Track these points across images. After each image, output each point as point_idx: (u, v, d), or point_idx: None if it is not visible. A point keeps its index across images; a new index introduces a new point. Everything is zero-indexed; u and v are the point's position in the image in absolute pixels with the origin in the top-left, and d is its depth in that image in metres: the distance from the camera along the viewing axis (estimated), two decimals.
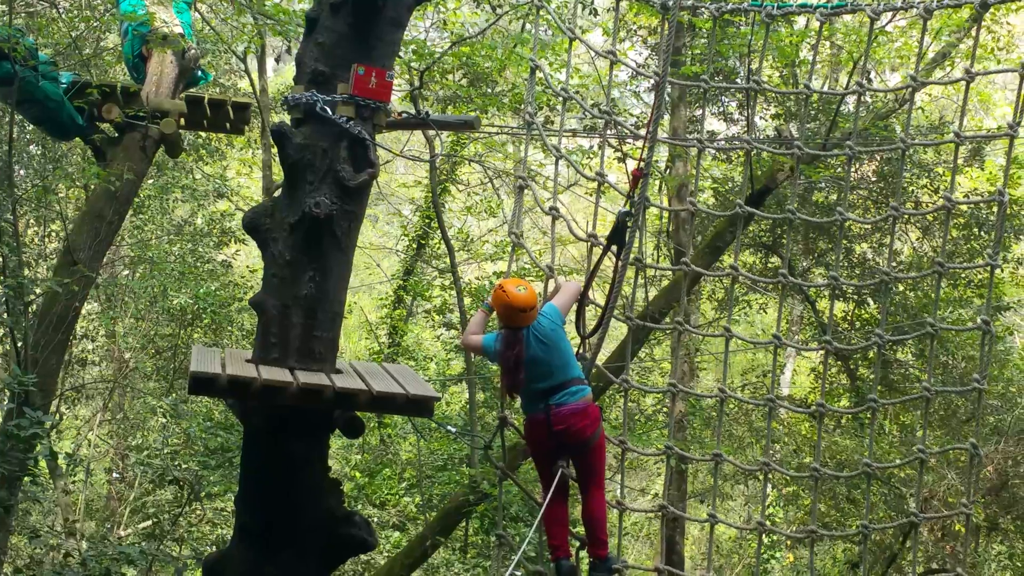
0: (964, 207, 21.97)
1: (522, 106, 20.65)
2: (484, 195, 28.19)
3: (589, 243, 10.65)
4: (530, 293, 9.57)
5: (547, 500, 9.97)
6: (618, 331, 21.83)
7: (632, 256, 10.54)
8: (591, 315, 10.66)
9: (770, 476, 26.23)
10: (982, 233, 22.10)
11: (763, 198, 20.03)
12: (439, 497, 22.97)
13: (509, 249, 26.49)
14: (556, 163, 10.73)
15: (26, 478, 13.48)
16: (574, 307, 10.26)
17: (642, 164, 10.30)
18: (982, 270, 21.10)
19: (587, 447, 9.82)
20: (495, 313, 9.78)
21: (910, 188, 22.42)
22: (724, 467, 24.15)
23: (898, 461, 18.92)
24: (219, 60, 24.47)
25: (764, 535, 28.39)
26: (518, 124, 23.18)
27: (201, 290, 22.21)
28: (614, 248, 10.41)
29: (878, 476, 21.97)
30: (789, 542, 29.26)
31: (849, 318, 24.31)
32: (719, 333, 11.45)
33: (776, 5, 11.38)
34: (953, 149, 11.70)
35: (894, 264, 23.32)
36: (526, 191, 11.10)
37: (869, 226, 22.82)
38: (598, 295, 11.25)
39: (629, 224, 10.23)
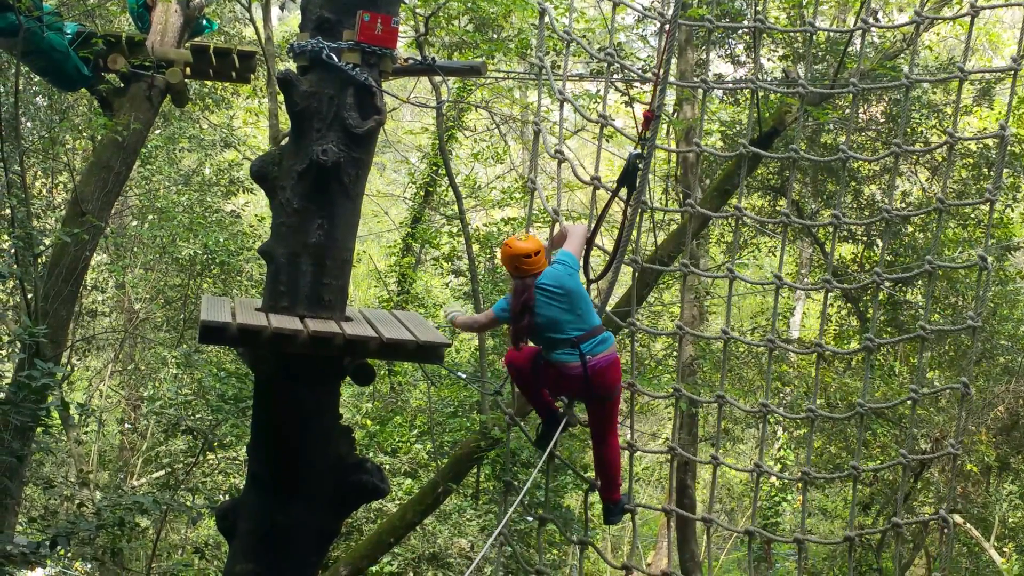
0: (973, 146, 21.92)
1: (528, 51, 20.59)
2: (491, 141, 28.16)
3: (593, 186, 10.62)
4: (531, 241, 9.55)
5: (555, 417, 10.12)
6: (625, 275, 21.89)
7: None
8: (598, 259, 10.64)
9: (779, 419, 26.39)
10: (991, 173, 22.04)
11: (771, 140, 19.98)
12: (450, 444, 23.03)
13: (517, 195, 26.56)
14: (561, 107, 10.70)
15: (39, 429, 13.53)
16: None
17: (653, 106, 10.27)
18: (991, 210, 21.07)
19: (611, 398, 9.85)
20: (506, 267, 9.73)
21: (919, 129, 22.34)
22: (734, 411, 24.24)
23: (891, 402, 18.93)
24: (223, 8, 24.43)
25: (773, 478, 28.63)
26: (524, 69, 23.10)
27: (210, 240, 22.22)
28: (623, 191, 10.38)
29: (888, 416, 22.00)
30: (799, 484, 29.34)
31: (859, 260, 24.28)
32: (724, 275, 11.42)
33: None
34: (957, 86, 11.67)
35: (903, 205, 23.28)
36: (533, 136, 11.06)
37: (878, 167, 22.76)
38: (605, 240, 11.23)
39: (640, 166, 10.20)
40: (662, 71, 10.30)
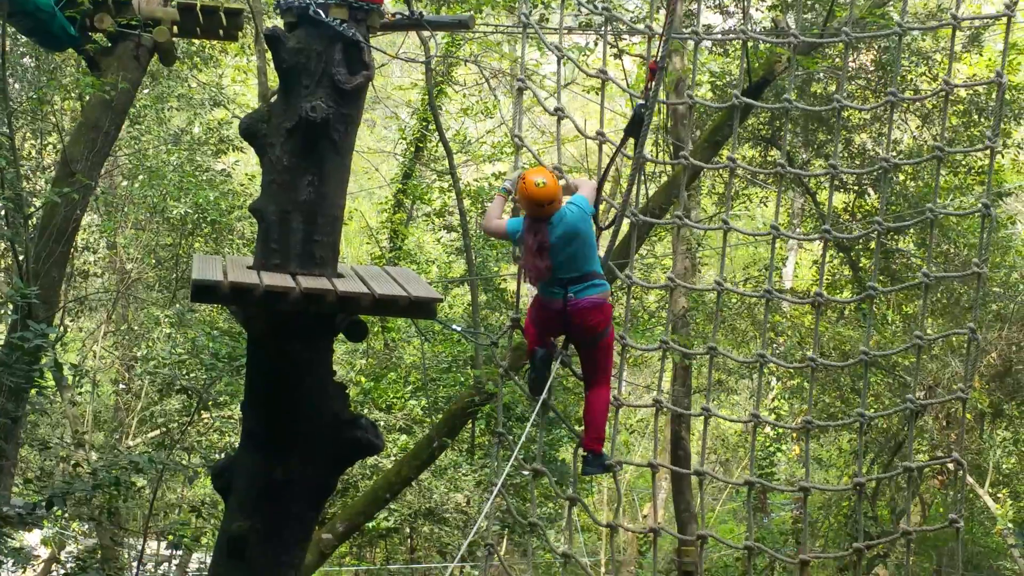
0: (963, 93, 21.88)
1: (517, 5, 20.50)
2: (481, 96, 28.09)
3: (599, 141, 10.62)
4: (549, 187, 9.50)
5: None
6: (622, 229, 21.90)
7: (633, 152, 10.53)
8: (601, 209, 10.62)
9: (773, 369, 26.45)
10: (982, 119, 22.01)
11: (761, 90, 19.92)
12: (445, 399, 23.08)
13: (507, 150, 26.50)
14: (558, 63, 10.65)
15: (32, 390, 13.54)
16: None
17: (658, 58, 10.31)
18: (982, 157, 21.08)
19: (595, 342, 9.88)
20: (519, 201, 9.79)
21: (908, 76, 22.30)
22: (728, 362, 24.27)
23: (896, 348, 18.94)
24: None
25: (768, 428, 28.71)
26: (513, 23, 23.02)
27: (201, 199, 22.18)
28: (629, 144, 10.43)
29: (881, 364, 22.04)
30: (794, 435, 29.42)
31: (850, 209, 24.27)
32: (718, 226, 11.42)
33: None
34: (950, 34, 11.63)
35: (894, 153, 23.26)
36: (525, 92, 11.05)
37: (868, 116, 22.73)
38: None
39: (645, 114, 10.24)
40: (667, 22, 10.32)
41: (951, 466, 12.08)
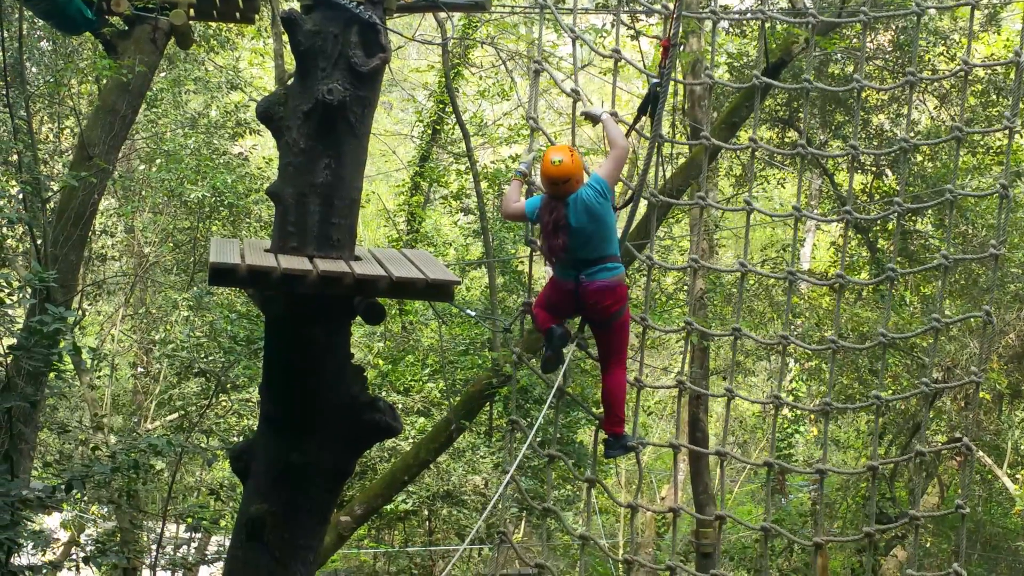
0: (981, 73, 21.80)
1: None
2: (497, 78, 28.05)
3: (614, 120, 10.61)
4: (566, 165, 9.54)
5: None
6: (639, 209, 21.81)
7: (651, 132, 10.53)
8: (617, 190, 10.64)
9: (791, 351, 26.42)
10: (1001, 99, 21.92)
11: (778, 71, 19.87)
12: (462, 382, 23.08)
13: (524, 132, 26.46)
14: (574, 44, 10.65)
15: (51, 374, 13.55)
16: None
17: (669, 35, 10.31)
18: (1001, 137, 20.98)
19: (609, 323, 9.88)
20: (539, 178, 9.82)
21: (927, 56, 22.23)
22: (745, 343, 24.26)
23: (914, 331, 18.90)
24: None
25: (786, 410, 28.69)
26: (529, 4, 22.97)
27: (218, 182, 22.18)
28: (642, 123, 10.44)
29: (900, 346, 21.98)
30: (812, 416, 29.38)
31: (868, 190, 24.21)
32: (740, 207, 11.41)
33: None
34: (969, 14, 11.60)
35: (912, 133, 23.18)
36: (541, 74, 11.04)
37: (886, 97, 22.66)
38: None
39: (660, 92, 10.24)
40: (676, 2, 10.32)
41: (972, 447, 12.05)
